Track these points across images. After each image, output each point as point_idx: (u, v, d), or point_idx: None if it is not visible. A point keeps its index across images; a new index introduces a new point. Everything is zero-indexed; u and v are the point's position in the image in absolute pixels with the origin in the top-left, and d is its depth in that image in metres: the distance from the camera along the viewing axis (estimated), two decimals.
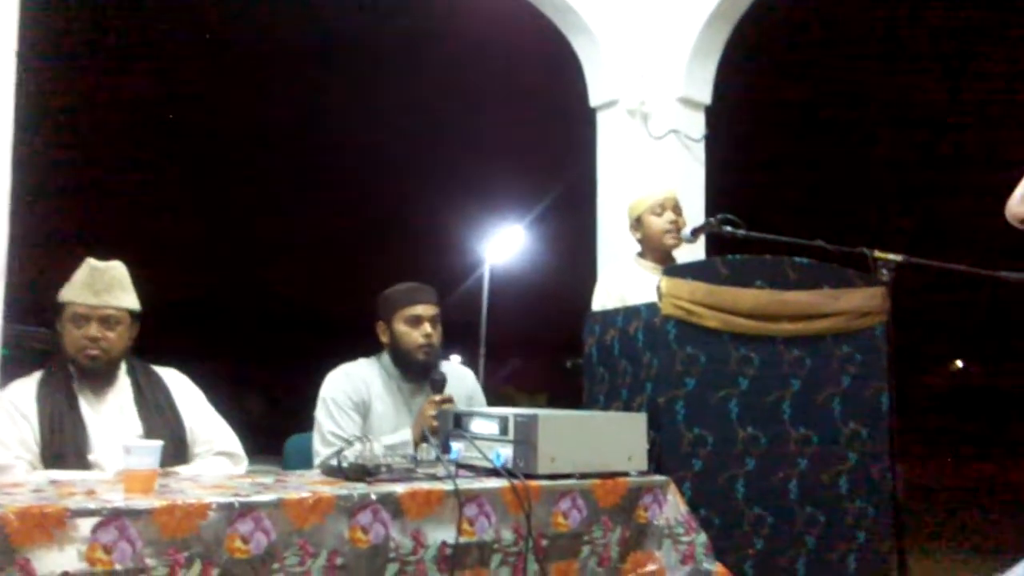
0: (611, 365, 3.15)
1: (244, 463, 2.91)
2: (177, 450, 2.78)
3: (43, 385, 2.76)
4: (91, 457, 2.68)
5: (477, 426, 2.71)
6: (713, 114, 5.55)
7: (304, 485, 2.29)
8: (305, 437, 3.24)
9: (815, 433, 3.07)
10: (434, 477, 2.41)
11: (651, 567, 2.59)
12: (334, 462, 2.47)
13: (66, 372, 2.79)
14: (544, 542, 2.42)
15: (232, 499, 2.04)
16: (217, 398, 3.02)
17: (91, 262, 2.83)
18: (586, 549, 2.50)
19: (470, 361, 18.06)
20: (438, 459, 2.50)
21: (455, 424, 2.79)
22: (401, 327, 3.17)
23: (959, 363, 36.21)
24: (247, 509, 2.03)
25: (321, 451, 3.06)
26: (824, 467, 3.08)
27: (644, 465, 2.66)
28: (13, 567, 1.78)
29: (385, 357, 3.24)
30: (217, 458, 2.87)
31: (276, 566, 2.04)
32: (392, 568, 2.20)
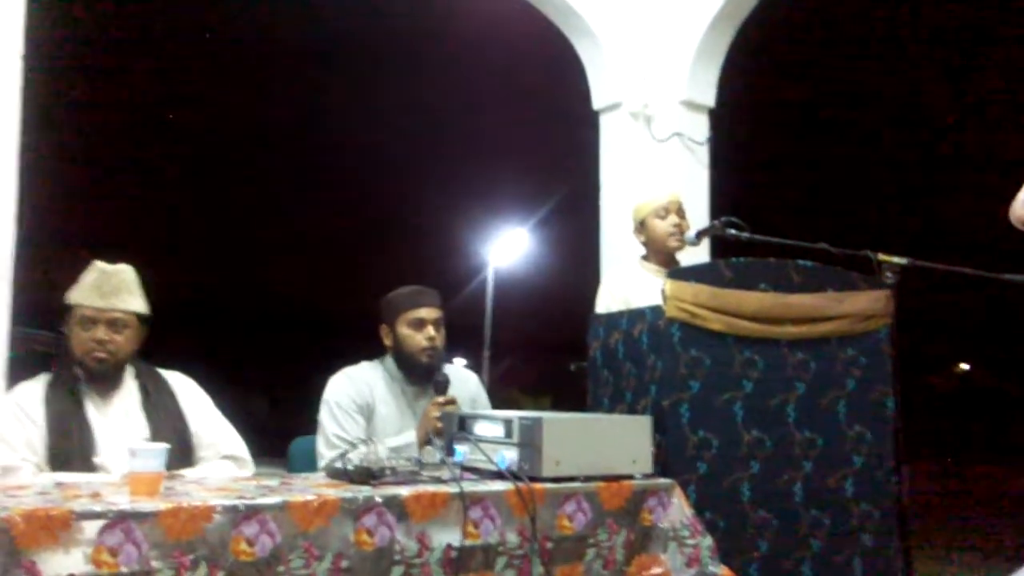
0: (615, 368, 3.15)
1: (250, 467, 2.92)
2: (183, 454, 2.78)
3: (50, 388, 2.76)
4: (97, 460, 2.69)
5: (481, 429, 2.71)
6: (716, 117, 5.56)
7: (309, 488, 2.29)
8: (309, 440, 3.24)
9: (820, 436, 3.07)
10: (439, 480, 2.41)
11: (656, 570, 2.59)
12: (339, 465, 2.47)
13: (73, 375, 2.79)
14: (549, 545, 2.42)
15: (237, 502, 2.05)
16: (221, 401, 3.03)
17: (99, 265, 2.84)
18: (591, 552, 2.49)
19: (474, 364, 18.06)
20: (443, 462, 2.51)
21: (460, 427, 2.79)
22: (404, 330, 3.17)
23: (964, 366, 36.18)
24: (252, 512, 2.04)
25: (325, 454, 3.06)
26: (829, 470, 3.08)
27: (649, 468, 2.66)
28: (19, 569, 1.79)
29: (389, 360, 3.25)
30: (223, 462, 2.88)
31: (281, 569, 2.04)
32: (397, 571, 2.20)
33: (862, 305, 3.18)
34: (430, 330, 3.16)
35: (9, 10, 3.42)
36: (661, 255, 3.69)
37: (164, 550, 1.93)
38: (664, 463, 2.79)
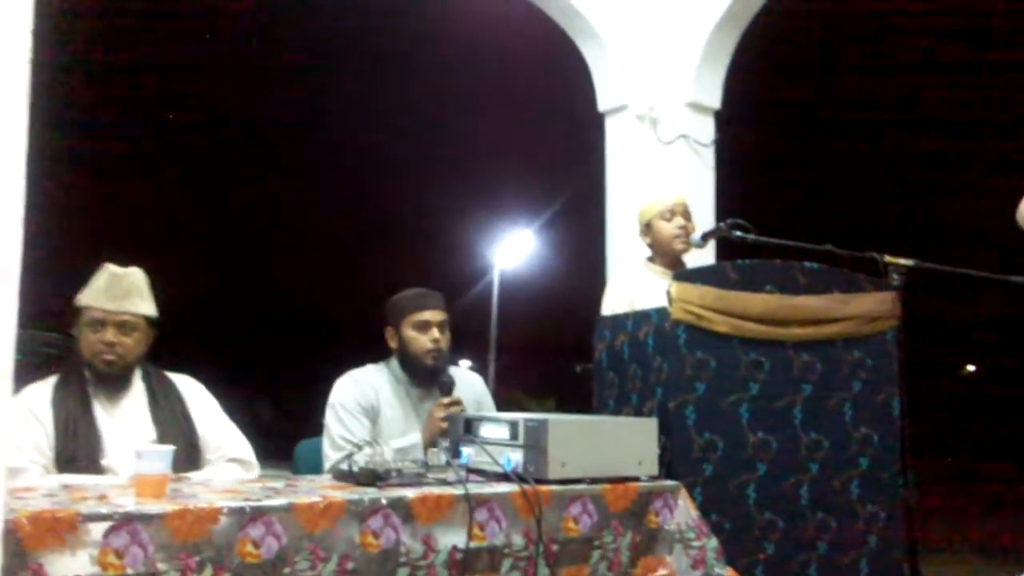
0: (621, 370, 3.15)
1: (256, 470, 2.92)
2: (190, 456, 2.78)
3: (58, 389, 2.77)
4: (104, 462, 2.69)
5: (487, 431, 2.71)
6: (722, 119, 5.55)
7: (315, 490, 2.29)
8: (315, 442, 3.25)
9: (826, 438, 3.07)
10: (444, 482, 2.41)
11: (662, 572, 2.59)
12: (344, 466, 2.47)
13: (81, 377, 2.80)
14: (554, 547, 2.42)
15: (243, 504, 2.05)
16: (226, 403, 3.03)
17: (110, 268, 2.84)
18: (596, 554, 2.49)
19: (480, 366, 18.07)
20: (448, 464, 2.51)
21: (465, 429, 2.79)
22: (409, 332, 3.17)
23: (970, 367, 36.08)
24: (258, 514, 2.04)
25: (331, 455, 3.06)
26: (835, 472, 3.07)
27: (655, 470, 2.65)
28: (26, 571, 1.79)
29: (394, 363, 3.25)
30: (229, 465, 2.88)
31: (287, 571, 2.05)
32: (403, 572, 2.20)
33: (868, 307, 3.18)
34: (435, 332, 3.16)
35: (16, 13, 3.43)
36: (667, 257, 3.68)
37: (170, 552, 1.93)
38: (670, 465, 2.79)
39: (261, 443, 3.18)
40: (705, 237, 3.44)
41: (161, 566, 1.91)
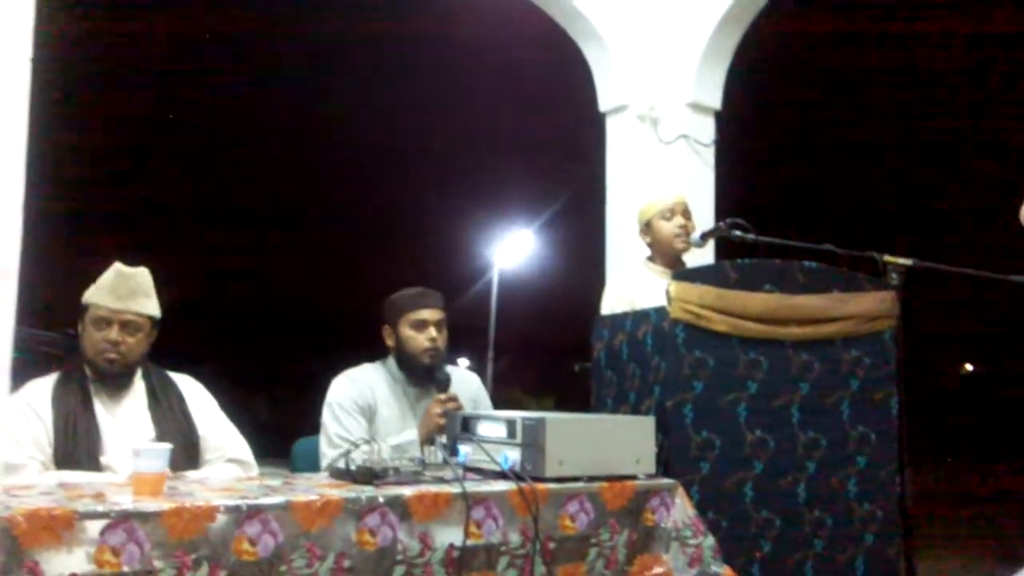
0: (619, 369, 3.15)
1: (254, 471, 2.92)
2: (189, 456, 2.79)
3: (59, 386, 2.77)
4: (103, 460, 2.69)
5: (485, 429, 2.71)
6: (723, 119, 5.55)
7: (312, 488, 2.29)
8: (312, 440, 3.25)
9: (824, 437, 3.07)
10: (442, 480, 2.41)
11: (658, 570, 2.59)
12: (341, 464, 2.47)
13: (82, 374, 2.80)
14: (551, 545, 2.42)
15: (240, 502, 2.05)
16: (224, 401, 3.03)
17: (118, 267, 2.85)
18: (593, 552, 2.49)
19: (479, 365, 18.08)
20: (445, 462, 2.51)
21: (463, 427, 2.79)
22: (407, 331, 3.17)
23: (969, 367, 36.09)
24: (255, 511, 2.04)
25: (328, 454, 3.06)
26: (833, 471, 3.08)
27: (652, 468, 2.66)
28: (22, 569, 1.79)
29: (391, 361, 3.25)
30: (228, 465, 2.88)
31: (283, 568, 2.05)
32: (399, 570, 2.20)
33: (867, 306, 3.18)
34: (432, 331, 3.16)
35: (18, 13, 3.43)
36: (667, 257, 3.68)
37: (166, 550, 1.93)
38: (667, 463, 2.79)
39: (258, 441, 3.18)
40: (705, 237, 3.45)
41: (157, 564, 1.91)
